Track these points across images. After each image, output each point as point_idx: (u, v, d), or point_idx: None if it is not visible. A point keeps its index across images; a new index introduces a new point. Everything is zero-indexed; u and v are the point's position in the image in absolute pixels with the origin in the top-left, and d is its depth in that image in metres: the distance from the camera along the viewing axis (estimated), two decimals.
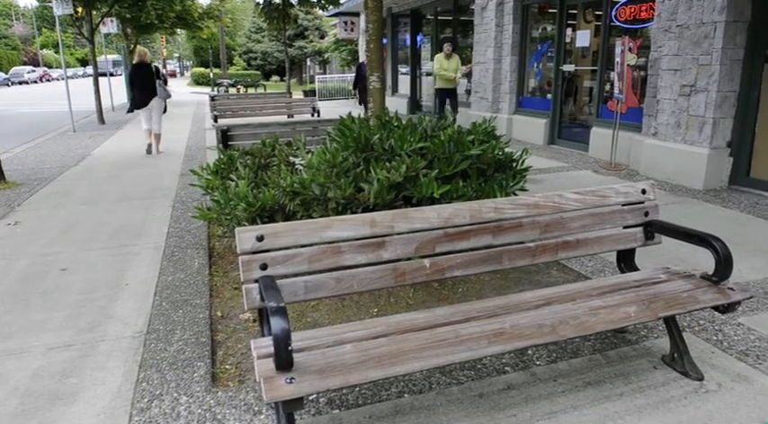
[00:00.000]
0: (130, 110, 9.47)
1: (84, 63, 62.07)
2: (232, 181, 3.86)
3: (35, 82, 47.44)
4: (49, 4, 14.57)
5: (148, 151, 9.33)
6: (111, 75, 14.76)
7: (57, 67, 56.77)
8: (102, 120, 14.17)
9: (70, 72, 47.87)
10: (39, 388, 2.62)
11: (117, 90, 20.11)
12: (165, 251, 4.44)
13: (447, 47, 9.94)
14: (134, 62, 9.52)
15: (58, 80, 49.36)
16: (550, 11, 9.57)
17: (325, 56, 34.33)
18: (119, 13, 17.68)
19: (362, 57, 17.56)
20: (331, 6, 17.62)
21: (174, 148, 9.99)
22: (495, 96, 10.67)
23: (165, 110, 9.63)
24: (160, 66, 21.29)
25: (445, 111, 10.13)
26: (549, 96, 9.65)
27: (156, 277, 3.94)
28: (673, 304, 2.44)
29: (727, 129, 6.17)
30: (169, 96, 9.72)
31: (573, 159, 8.29)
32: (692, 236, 2.67)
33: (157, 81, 9.20)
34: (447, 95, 10.27)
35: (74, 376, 2.71)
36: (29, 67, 49.97)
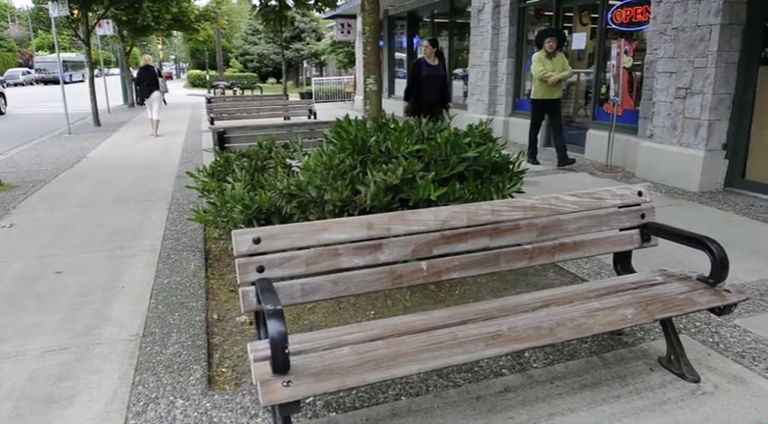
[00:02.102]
0: (141, 102, 12.78)
1: None
2: (228, 183, 3.85)
3: (30, 84, 47.14)
4: (45, 5, 14.56)
5: (152, 134, 12.08)
6: (64, 82, 13.62)
7: None
8: (97, 122, 14.14)
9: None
10: (34, 391, 2.61)
11: (79, 98, 19.05)
12: (161, 254, 4.42)
13: (550, 42, 7.46)
14: (141, 65, 12.63)
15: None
16: (546, 13, 9.60)
17: (322, 58, 34.33)
18: (115, 15, 17.65)
19: (359, 59, 17.56)
20: (327, 8, 17.63)
21: (170, 150, 9.97)
22: (491, 98, 10.69)
23: (164, 102, 12.95)
24: (161, 68, 21.90)
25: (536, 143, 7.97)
26: None
27: (152, 279, 3.92)
28: (669, 306, 2.44)
29: (722, 132, 6.19)
30: (167, 91, 13.12)
31: None
32: (689, 238, 2.68)
33: (159, 79, 12.35)
34: (548, 109, 7.74)
35: (69, 380, 2.70)
36: (24, 69, 49.61)
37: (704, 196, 6.04)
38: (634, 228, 2.88)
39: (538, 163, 7.89)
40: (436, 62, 7.46)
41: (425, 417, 2.37)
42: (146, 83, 12.20)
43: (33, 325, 3.28)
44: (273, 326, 1.85)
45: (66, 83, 19.76)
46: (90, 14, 14.88)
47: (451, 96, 8.37)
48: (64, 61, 42.87)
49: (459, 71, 13.07)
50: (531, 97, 7.77)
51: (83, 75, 44.96)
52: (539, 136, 8.15)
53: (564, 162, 7.68)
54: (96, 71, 16.02)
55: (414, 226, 2.46)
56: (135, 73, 22.83)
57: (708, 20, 5.95)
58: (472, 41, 11.03)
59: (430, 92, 7.37)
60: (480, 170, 3.58)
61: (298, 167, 3.66)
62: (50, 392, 2.60)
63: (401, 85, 16.52)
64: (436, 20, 13.97)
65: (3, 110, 19.13)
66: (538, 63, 7.48)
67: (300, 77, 39.65)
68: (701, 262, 3.32)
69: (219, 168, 4.29)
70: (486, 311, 2.42)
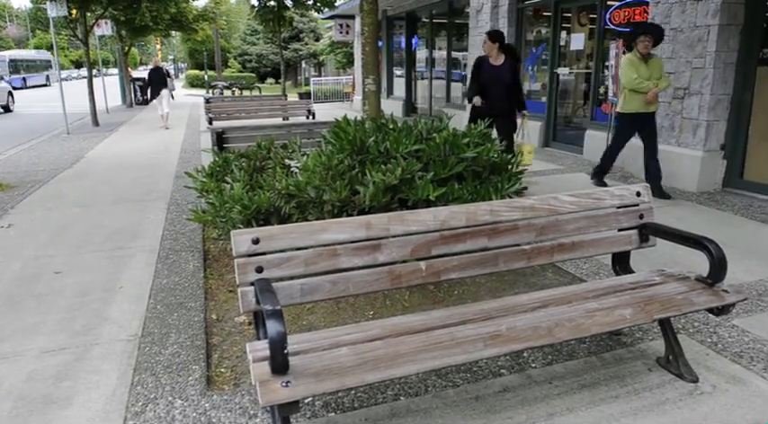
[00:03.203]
0: (151, 99, 14.53)
1: (78, 65, 61.55)
2: (227, 183, 3.85)
3: (65, 79, 45.77)
4: (44, 5, 14.57)
5: (162, 126, 13.47)
6: (14, 88, 14.64)
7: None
8: (96, 123, 14.12)
9: (64, 73, 45.92)
10: (32, 392, 2.60)
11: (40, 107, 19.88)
12: (159, 254, 4.42)
13: (645, 41, 5.76)
14: (151, 67, 14.34)
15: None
16: (545, 14, 9.60)
17: (321, 58, 34.31)
18: (113, 16, 17.64)
19: (358, 60, 17.54)
20: (326, 9, 17.63)
21: (169, 150, 9.96)
22: None
23: (172, 97, 15.17)
24: (170, 70, 22.72)
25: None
26: (543, 99, 9.68)
27: (151, 280, 3.92)
28: (668, 306, 2.45)
29: (720, 132, 6.20)
30: (174, 88, 15.73)
31: (568, 162, 8.30)
32: (687, 239, 2.68)
33: (168, 79, 14.05)
34: (641, 125, 6.01)
35: (68, 380, 2.70)
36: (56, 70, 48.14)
37: (702, 196, 6.05)
38: (632, 228, 2.89)
39: (605, 185, 6.43)
40: (501, 61, 6.09)
41: (424, 417, 2.37)
42: (156, 82, 13.89)
43: (32, 325, 3.27)
44: (272, 326, 1.85)
45: (17, 88, 19.25)
46: (88, 14, 14.86)
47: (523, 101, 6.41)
48: (15, 60, 35.22)
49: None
50: (620, 110, 6.09)
51: (47, 78, 37.49)
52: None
53: (661, 193, 5.98)
54: (94, 71, 15.98)
55: (413, 227, 2.46)
56: (133, 73, 23.07)
57: (706, 20, 5.96)
58: (471, 42, 11.03)
59: (492, 98, 6.08)
60: (479, 170, 3.58)
61: (296, 167, 3.66)
62: (49, 392, 2.60)
63: (400, 86, 16.54)
64: (435, 20, 13.97)
65: (11, 108, 20.27)
66: (630, 68, 5.83)
67: (299, 77, 39.62)
68: (699, 263, 3.33)
69: (218, 168, 4.29)
70: (484, 311, 2.43)
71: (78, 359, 2.89)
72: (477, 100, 6.11)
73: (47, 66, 37.68)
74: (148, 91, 15.37)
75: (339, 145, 3.51)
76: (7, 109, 20.08)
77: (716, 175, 6.27)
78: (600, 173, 6.58)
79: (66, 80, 41.44)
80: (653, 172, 6.06)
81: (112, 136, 12.21)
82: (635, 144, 7.19)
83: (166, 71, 14.63)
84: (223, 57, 39.78)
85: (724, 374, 2.65)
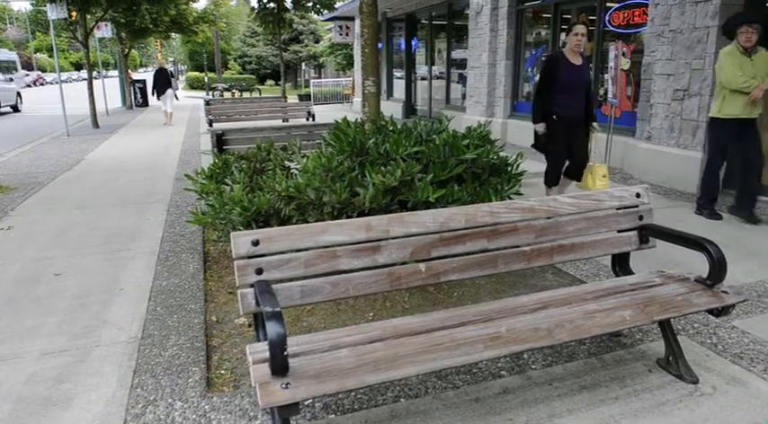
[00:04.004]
0: (157, 98, 15.21)
1: (78, 67, 61.58)
2: (227, 185, 3.85)
3: (29, 86, 46.31)
4: (44, 8, 14.60)
5: (166, 124, 14.47)
6: None
7: (51, 71, 56.23)
8: (96, 125, 14.13)
9: (64, 76, 45.33)
10: (32, 394, 2.60)
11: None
12: (159, 256, 4.42)
13: (746, 33, 4.79)
14: (156, 68, 15.75)
15: (51, 84, 48.86)
16: (544, 16, 9.62)
17: (320, 60, 34.36)
18: (113, 18, 17.66)
19: (358, 62, 17.54)
20: (326, 11, 17.64)
21: (169, 152, 9.97)
22: (489, 100, 10.70)
23: (177, 98, 16.28)
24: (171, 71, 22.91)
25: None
26: None
27: (151, 281, 3.92)
28: (667, 307, 2.45)
29: None
30: (177, 88, 17.51)
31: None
32: (687, 240, 2.69)
33: (171, 79, 15.00)
34: (742, 132, 4.95)
35: (68, 382, 2.70)
36: (23, 71, 48.19)
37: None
38: (632, 230, 2.89)
39: (720, 217, 5.16)
40: (581, 60, 5.09)
41: (424, 418, 2.37)
42: (161, 83, 14.77)
43: (32, 327, 3.27)
44: (272, 328, 1.85)
45: None
46: (88, 17, 14.88)
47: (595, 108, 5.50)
48: None
49: (457, 72, 13.11)
50: (714, 115, 5.05)
51: (11, 82, 30.94)
52: None
53: (750, 217, 5.04)
54: (94, 73, 16.02)
55: (412, 228, 2.46)
56: (133, 75, 23.31)
57: (705, 22, 5.97)
58: (470, 43, 11.05)
59: (571, 106, 5.07)
60: (479, 172, 3.58)
61: (296, 169, 3.66)
62: (49, 394, 2.60)
63: (399, 87, 16.55)
64: (434, 22, 13.99)
65: (20, 108, 20.94)
66: (731, 64, 4.82)
67: (299, 79, 39.67)
68: (699, 264, 3.33)
69: (218, 170, 4.29)
70: (484, 312, 2.43)
71: (78, 361, 2.88)
72: (541, 127, 5.15)
73: (9, 67, 30.51)
74: (153, 90, 15.78)
75: (339, 147, 3.51)
76: (16, 108, 20.63)
77: None
78: (709, 203, 5.29)
79: (67, 82, 41.21)
80: (749, 193, 5.04)
81: (112, 139, 12.22)
82: (629, 142, 7.21)
83: (170, 72, 15.39)
84: (223, 58, 39.79)
85: (724, 375, 2.65)
